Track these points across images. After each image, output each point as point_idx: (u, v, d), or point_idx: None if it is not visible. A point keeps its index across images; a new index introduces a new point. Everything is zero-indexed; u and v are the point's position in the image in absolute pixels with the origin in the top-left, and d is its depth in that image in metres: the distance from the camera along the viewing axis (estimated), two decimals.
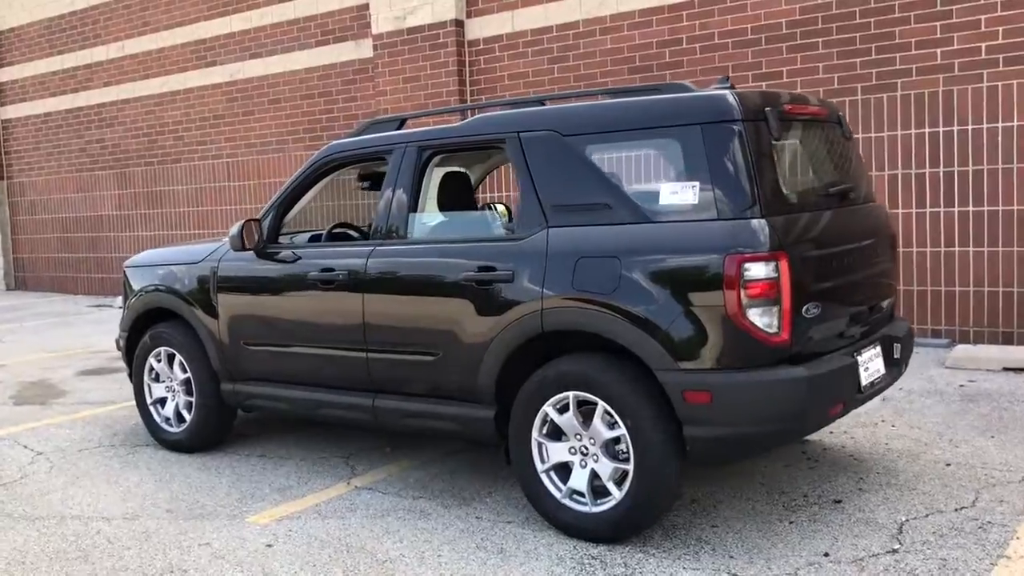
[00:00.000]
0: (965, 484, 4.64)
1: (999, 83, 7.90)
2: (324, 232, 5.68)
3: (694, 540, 4.09)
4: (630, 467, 3.95)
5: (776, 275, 3.74)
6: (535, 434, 4.22)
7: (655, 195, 4.01)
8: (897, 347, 4.51)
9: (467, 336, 4.38)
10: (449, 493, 4.85)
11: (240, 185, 13.59)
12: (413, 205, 4.77)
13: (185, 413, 5.80)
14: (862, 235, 4.36)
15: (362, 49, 12.02)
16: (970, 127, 8.04)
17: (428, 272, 4.55)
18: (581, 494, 4.14)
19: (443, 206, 5.08)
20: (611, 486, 4.03)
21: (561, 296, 4.07)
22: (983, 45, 7.94)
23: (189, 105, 14.09)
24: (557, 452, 4.19)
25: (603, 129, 4.16)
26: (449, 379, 4.51)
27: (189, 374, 5.71)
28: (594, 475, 4.11)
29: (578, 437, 4.12)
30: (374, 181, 5.90)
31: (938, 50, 8.13)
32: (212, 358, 5.56)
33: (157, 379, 5.95)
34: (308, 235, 5.80)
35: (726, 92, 3.95)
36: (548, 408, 4.16)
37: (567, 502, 4.17)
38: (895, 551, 3.88)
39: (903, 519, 4.22)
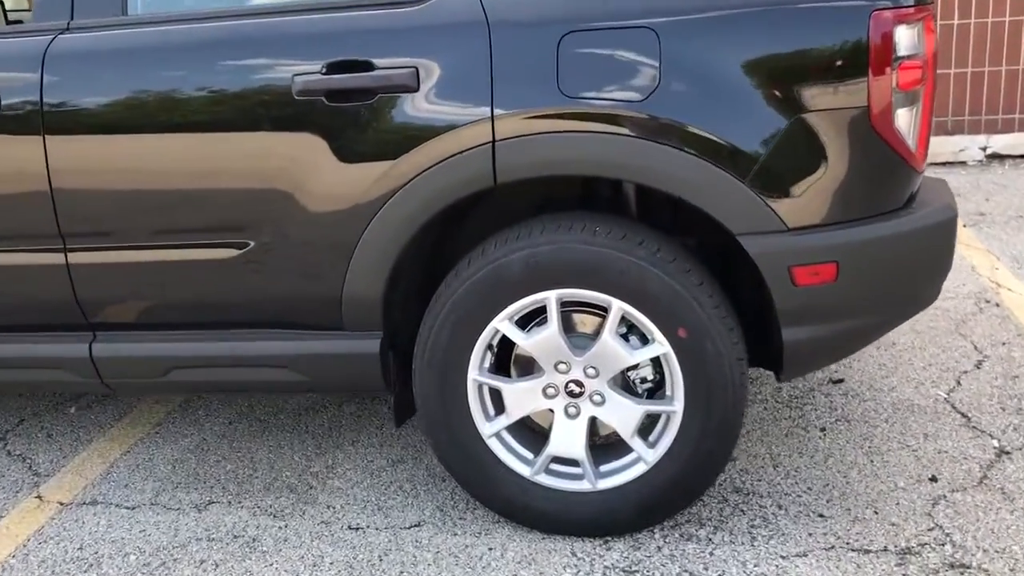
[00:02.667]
0: (933, 340, 3.60)
1: None
2: None
3: (737, 497, 2.54)
4: (675, 408, 2.23)
5: (922, 50, 2.15)
6: (474, 372, 2.29)
7: None
8: None
9: (318, 204, 2.23)
10: (252, 484, 2.73)
11: None
12: None
13: None
14: None
15: None
16: None
17: (203, 82, 2.23)
18: (571, 462, 2.35)
19: None
20: (636, 443, 2.30)
21: (533, 112, 2.09)
22: None
23: None
24: (521, 397, 2.32)
25: None
26: (277, 289, 2.34)
27: None
28: (592, 428, 2.34)
29: (562, 368, 2.28)
30: None
31: None
32: None
33: None
34: None
35: None
36: (501, 323, 2.25)
37: (543, 479, 2.35)
38: (1004, 451, 2.68)
39: (942, 395, 3.05)
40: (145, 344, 2.46)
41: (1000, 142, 5.95)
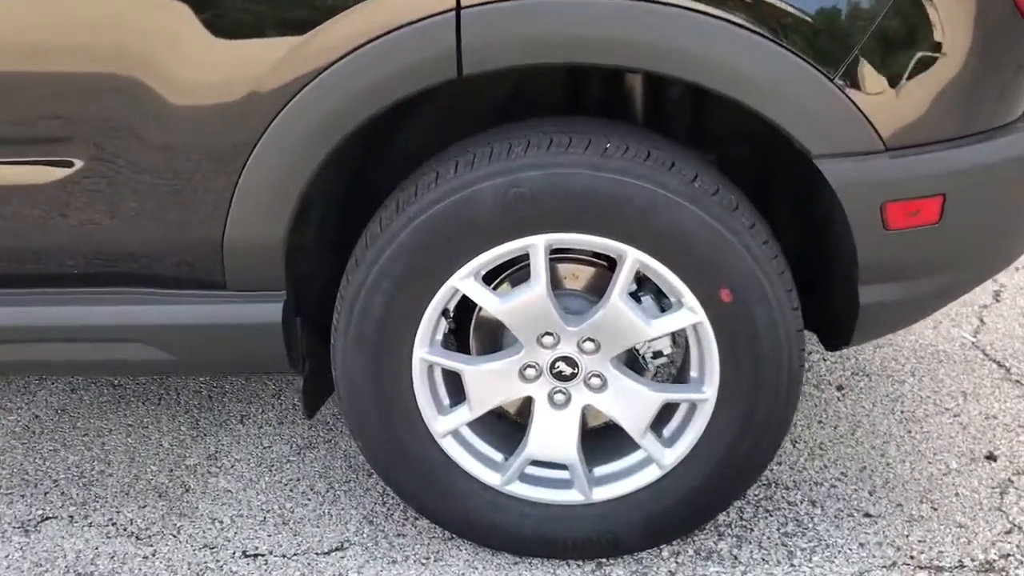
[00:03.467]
0: None
1: None
2: None
3: (758, 491, 1.96)
4: (705, 395, 1.61)
5: None
6: (422, 349, 1.60)
7: None
8: None
9: (183, 100, 1.45)
10: (104, 487, 1.99)
11: None
12: None
13: None
14: None
15: None
16: None
17: None
18: (558, 466, 1.71)
19: None
20: (648, 441, 1.66)
21: None
22: None
23: None
24: (489, 382, 1.64)
25: None
26: (124, 230, 1.57)
27: None
28: (583, 420, 1.70)
29: (547, 341, 1.60)
30: None
31: None
32: None
33: None
34: None
35: None
36: (464, 282, 1.55)
37: (516, 488, 1.71)
38: None
39: (968, 338, 2.53)
40: None
41: None
